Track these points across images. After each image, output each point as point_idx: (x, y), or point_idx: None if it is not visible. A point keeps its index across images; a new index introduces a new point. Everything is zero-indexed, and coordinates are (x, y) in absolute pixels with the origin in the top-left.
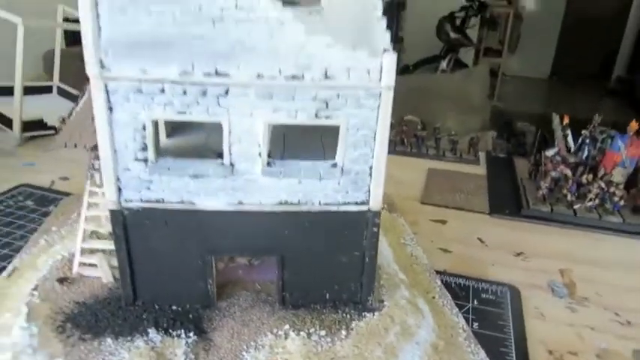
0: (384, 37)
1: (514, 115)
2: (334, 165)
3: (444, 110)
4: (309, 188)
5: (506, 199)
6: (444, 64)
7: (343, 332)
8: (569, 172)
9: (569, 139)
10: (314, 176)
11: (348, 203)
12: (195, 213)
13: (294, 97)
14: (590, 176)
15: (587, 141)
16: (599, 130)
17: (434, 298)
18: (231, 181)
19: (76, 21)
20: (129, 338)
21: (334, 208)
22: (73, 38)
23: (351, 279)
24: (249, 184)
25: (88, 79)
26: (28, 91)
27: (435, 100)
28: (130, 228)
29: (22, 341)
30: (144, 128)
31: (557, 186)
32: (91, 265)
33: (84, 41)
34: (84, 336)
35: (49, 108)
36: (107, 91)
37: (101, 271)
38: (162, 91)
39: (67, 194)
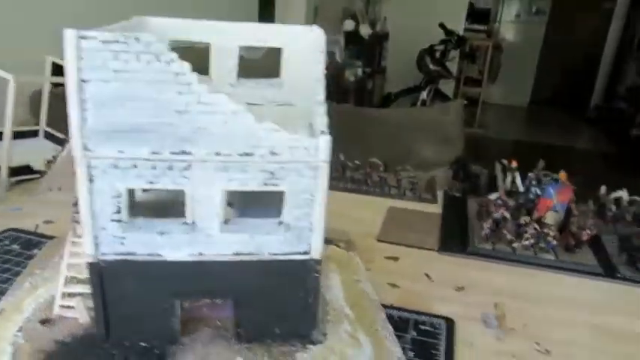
0: (322, 121)
1: (494, 142)
2: (280, 222)
3: (421, 142)
4: (259, 241)
5: (456, 237)
6: (424, 95)
7: None
8: (507, 215)
9: (518, 181)
10: (263, 232)
11: (293, 253)
12: (162, 263)
13: (246, 169)
14: (528, 218)
15: (534, 182)
16: (543, 173)
17: (377, 330)
18: (193, 237)
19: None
20: None
21: (281, 257)
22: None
23: (297, 316)
24: (208, 238)
25: None
26: (16, 135)
27: (412, 133)
28: (105, 277)
29: None
30: (119, 195)
31: (499, 227)
32: (69, 307)
33: (71, 130)
34: None
35: (36, 152)
36: (89, 167)
37: (78, 313)
38: (135, 166)
39: (51, 237)
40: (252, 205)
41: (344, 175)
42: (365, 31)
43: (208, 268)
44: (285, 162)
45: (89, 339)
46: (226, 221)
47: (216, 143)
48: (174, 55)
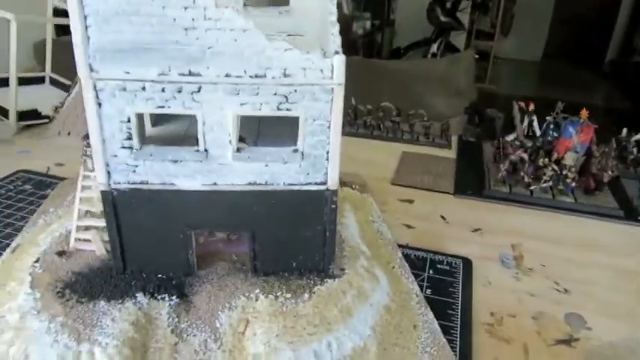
0: (336, 40)
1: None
2: (295, 150)
3: (432, 94)
4: (275, 170)
5: (471, 180)
6: (434, 48)
7: (306, 295)
8: (525, 156)
9: (535, 124)
10: (278, 160)
11: (309, 183)
12: (175, 193)
13: (258, 92)
14: (546, 160)
15: (552, 126)
16: (562, 117)
17: (393, 268)
18: (205, 165)
19: (66, 14)
20: (120, 301)
21: (297, 188)
22: (63, 28)
23: (314, 250)
24: (222, 167)
25: None
26: (22, 81)
27: (423, 85)
28: (119, 206)
29: (27, 304)
30: (129, 120)
31: (516, 169)
32: (85, 240)
33: (75, 49)
34: (81, 299)
35: (43, 98)
36: (96, 90)
37: (95, 245)
38: (144, 89)
39: (62, 179)
40: (265, 138)
41: (355, 120)
42: None
43: (223, 199)
44: (298, 84)
45: (106, 270)
46: (239, 149)
47: (226, 64)
48: None
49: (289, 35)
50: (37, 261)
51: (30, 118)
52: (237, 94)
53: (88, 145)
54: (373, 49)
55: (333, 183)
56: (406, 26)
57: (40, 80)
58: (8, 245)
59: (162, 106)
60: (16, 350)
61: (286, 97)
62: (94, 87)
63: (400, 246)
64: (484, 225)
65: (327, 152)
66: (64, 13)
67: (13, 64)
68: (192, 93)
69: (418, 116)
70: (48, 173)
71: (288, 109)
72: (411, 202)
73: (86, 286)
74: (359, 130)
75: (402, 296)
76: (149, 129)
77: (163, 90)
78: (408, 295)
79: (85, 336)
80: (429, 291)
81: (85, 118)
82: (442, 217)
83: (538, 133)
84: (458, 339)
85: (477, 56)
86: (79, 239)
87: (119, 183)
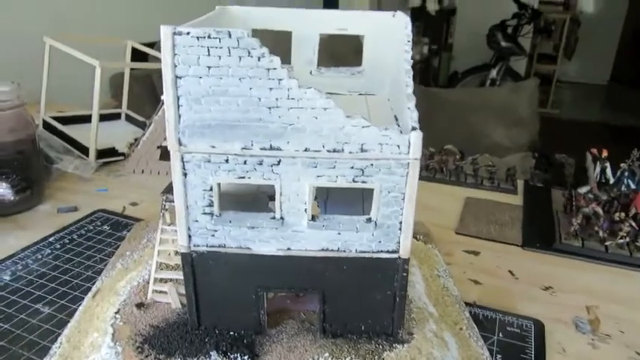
0: (413, 116)
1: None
2: (369, 220)
3: (492, 125)
4: (347, 238)
5: (540, 232)
6: (494, 73)
7: None
8: (600, 210)
9: (608, 171)
10: (351, 229)
11: (381, 251)
12: (251, 256)
13: (335, 166)
14: (623, 214)
15: (626, 174)
16: (637, 164)
17: (461, 329)
18: (281, 232)
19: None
20: (195, 359)
21: (369, 255)
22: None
23: (383, 314)
24: (296, 234)
25: (151, 105)
26: (100, 118)
27: (483, 114)
28: (197, 267)
29: (109, 358)
30: (211, 189)
31: (590, 222)
32: (162, 292)
33: (167, 125)
34: (159, 356)
35: (119, 135)
36: (183, 161)
37: (171, 299)
38: (227, 161)
39: (137, 219)
40: (335, 199)
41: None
42: (432, 6)
43: (296, 263)
44: (374, 159)
45: (182, 325)
46: (314, 217)
47: (305, 139)
48: (265, 50)
49: (361, 95)
50: (117, 312)
51: (107, 155)
52: (315, 167)
53: (167, 200)
54: (429, 74)
55: (405, 252)
56: (464, 51)
57: (117, 116)
58: (89, 289)
59: (243, 177)
60: None
61: (362, 170)
62: (182, 159)
63: (467, 304)
64: (555, 282)
65: (401, 222)
66: (140, 55)
67: (96, 105)
68: (271, 165)
69: (483, 160)
70: (124, 213)
71: (363, 182)
72: (477, 254)
73: (163, 342)
74: (421, 172)
75: None
76: (223, 185)
77: (245, 162)
78: None
79: None
80: (499, 357)
81: (158, 157)
82: (510, 272)
83: (612, 181)
84: None
85: (539, 80)
86: (156, 291)
87: (198, 245)
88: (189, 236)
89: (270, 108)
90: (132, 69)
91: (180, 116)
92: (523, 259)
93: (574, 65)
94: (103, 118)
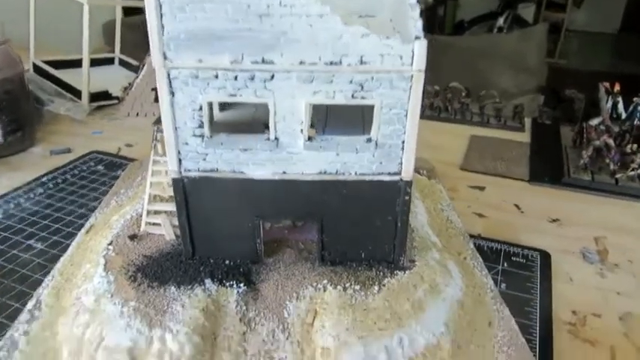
0: (417, 24)
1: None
2: (369, 140)
3: (499, 71)
4: (346, 160)
5: (548, 167)
6: (501, 21)
7: (376, 287)
8: (611, 142)
9: (620, 105)
10: (351, 150)
11: (382, 173)
12: (245, 181)
13: (332, 80)
14: (635, 146)
15: (639, 108)
16: None
17: (465, 259)
18: (276, 154)
19: None
20: (189, 287)
21: (369, 178)
22: (131, 8)
23: (384, 240)
24: (292, 156)
25: (146, 50)
26: (92, 63)
27: (490, 61)
28: (189, 193)
29: (101, 287)
30: (200, 109)
31: (600, 155)
32: (155, 224)
33: (150, 38)
34: (152, 284)
35: (112, 79)
36: (169, 78)
37: (165, 230)
38: (216, 77)
39: (132, 160)
40: (334, 124)
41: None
42: None
43: (292, 188)
44: (375, 71)
45: (176, 255)
46: (311, 138)
47: (300, 51)
48: None
49: (360, 17)
50: (110, 244)
51: (101, 99)
52: (311, 82)
53: (159, 130)
54: (435, 23)
55: (407, 174)
56: None
57: (110, 61)
58: (82, 225)
59: (234, 95)
60: (91, 333)
61: (362, 85)
62: (168, 75)
63: (472, 236)
64: (563, 215)
65: (403, 142)
66: None
67: (85, 46)
68: (264, 81)
69: (489, 97)
70: (119, 154)
71: (363, 98)
72: (482, 189)
73: (157, 271)
74: (425, 111)
75: (475, 291)
76: (217, 114)
77: (236, 78)
78: (482, 290)
79: (156, 322)
80: (503, 285)
81: (153, 99)
82: (516, 205)
83: (624, 115)
84: (537, 339)
85: (547, 24)
86: (150, 223)
87: (190, 170)
88: (180, 160)
89: (260, 16)
90: (126, 16)
91: (163, 27)
92: (530, 193)
93: (583, 13)
94: (97, 62)
